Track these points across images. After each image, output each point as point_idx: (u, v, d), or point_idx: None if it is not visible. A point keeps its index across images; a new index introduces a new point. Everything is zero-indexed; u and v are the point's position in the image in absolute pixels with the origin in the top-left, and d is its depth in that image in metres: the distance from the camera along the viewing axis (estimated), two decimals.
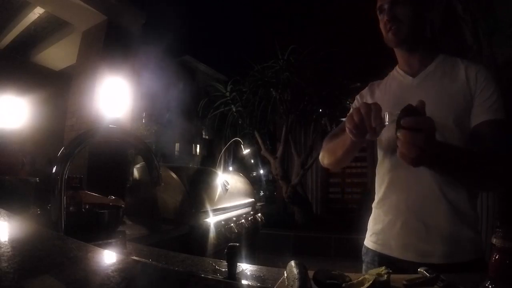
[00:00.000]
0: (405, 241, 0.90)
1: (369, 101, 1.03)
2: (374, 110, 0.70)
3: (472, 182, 0.83)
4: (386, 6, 0.93)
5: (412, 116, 0.63)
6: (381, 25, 0.98)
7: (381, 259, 0.95)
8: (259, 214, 2.29)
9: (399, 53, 1.02)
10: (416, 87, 0.94)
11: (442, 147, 0.71)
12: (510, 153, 0.77)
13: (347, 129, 0.77)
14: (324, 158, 1.08)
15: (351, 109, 1.10)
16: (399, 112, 0.64)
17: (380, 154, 1.01)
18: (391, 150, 0.94)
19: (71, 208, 0.88)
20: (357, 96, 1.14)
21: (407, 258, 0.88)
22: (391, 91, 1.01)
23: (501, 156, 0.77)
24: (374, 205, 1.05)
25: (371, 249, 1.01)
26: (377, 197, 1.02)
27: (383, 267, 0.60)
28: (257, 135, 5.34)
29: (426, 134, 0.62)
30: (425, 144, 0.62)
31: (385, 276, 0.57)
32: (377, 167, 1.04)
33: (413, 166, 0.66)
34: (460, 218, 0.86)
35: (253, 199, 2.37)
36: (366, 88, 1.12)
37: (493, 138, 0.81)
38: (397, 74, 1.03)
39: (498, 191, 2.17)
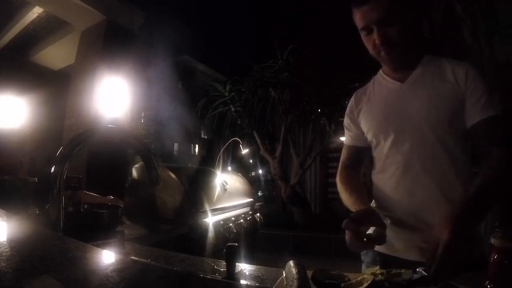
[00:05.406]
0: (407, 241, 0.90)
1: (362, 110, 1.02)
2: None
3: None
4: (374, 27, 0.86)
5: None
6: (369, 45, 0.91)
7: (382, 258, 0.95)
8: (258, 214, 2.29)
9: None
10: (407, 92, 0.93)
11: (463, 223, 0.69)
12: (507, 146, 0.80)
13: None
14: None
15: (345, 128, 1.10)
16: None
17: (379, 162, 1.00)
18: (395, 161, 0.93)
19: (70, 208, 0.89)
20: (347, 113, 1.08)
21: (409, 257, 0.89)
22: (382, 99, 0.99)
23: (500, 160, 0.79)
24: (374, 207, 1.04)
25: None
26: (377, 200, 1.02)
27: (377, 267, 0.62)
28: (256, 135, 5.33)
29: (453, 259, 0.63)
30: (458, 255, 0.64)
31: (380, 276, 0.58)
32: (375, 174, 1.02)
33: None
34: None
35: (252, 199, 2.37)
36: (352, 99, 1.08)
37: (488, 137, 0.83)
38: (384, 81, 1.00)
39: None
